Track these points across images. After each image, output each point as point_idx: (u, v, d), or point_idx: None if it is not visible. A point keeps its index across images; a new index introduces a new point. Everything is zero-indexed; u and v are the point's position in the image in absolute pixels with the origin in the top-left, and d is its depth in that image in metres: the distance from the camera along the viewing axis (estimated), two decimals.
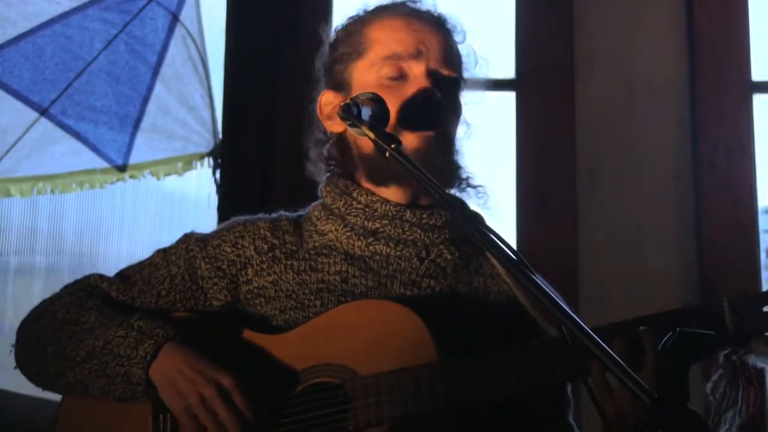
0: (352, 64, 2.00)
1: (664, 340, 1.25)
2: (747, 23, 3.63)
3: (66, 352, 1.91)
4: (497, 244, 1.46)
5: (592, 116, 3.60)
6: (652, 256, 3.52)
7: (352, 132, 1.77)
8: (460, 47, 2.04)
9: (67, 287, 2.07)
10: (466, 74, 2.03)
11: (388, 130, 1.74)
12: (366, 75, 1.97)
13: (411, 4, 2.02)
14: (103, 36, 3.35)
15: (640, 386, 1.22)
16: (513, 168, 3.61)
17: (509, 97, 3.67)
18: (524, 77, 3.67)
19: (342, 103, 1.78)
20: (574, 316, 1.33)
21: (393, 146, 1.63)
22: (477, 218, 1.55)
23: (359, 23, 2.02)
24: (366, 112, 1.71)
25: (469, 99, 2.05)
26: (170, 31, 3.45)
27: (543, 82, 3.65)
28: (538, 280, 1.41)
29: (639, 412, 1.59)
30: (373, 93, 1.82)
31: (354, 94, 1.91)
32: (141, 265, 2.06)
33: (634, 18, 3.67)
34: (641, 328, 1.66)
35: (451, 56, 1.99)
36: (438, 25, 2.00)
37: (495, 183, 2.05)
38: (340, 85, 2.01)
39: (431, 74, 1.93)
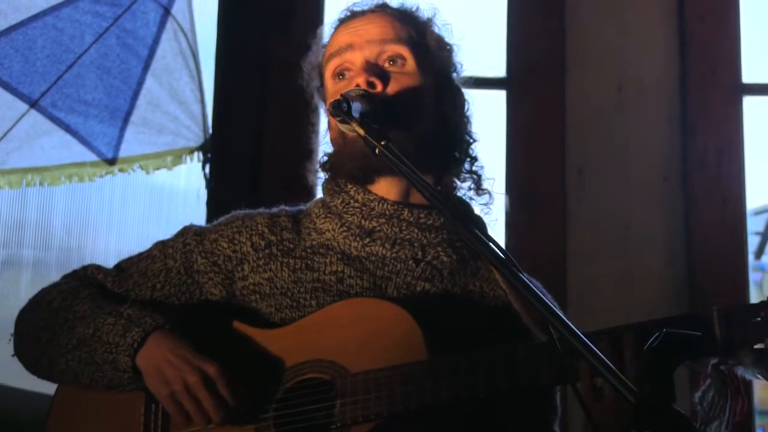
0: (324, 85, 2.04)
1: (650, 341, 1.25)
2: (738, 25, 3.64)
3: (59, 339, 1.93)
4: (486, 242, 1.45)
5: (582, 115, 3.61)
6: (640, 255, 3.53)
7: (342, 128, 1.77)
8: (419, 16, 2.02)
9: (65, 276, 2.09)
10: (431, 40, 2.01)
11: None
12: (326, 87, 2.01)
13: (354, 8, 2.02)
14: (94, 29, 3.34)
15: (625, 385, 1.22)
16: (503, 166, 3.61)
17: (500, 96, 3.68)
18: (515, 76, 3.68)
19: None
20: (561, 315, 1.33)
21: (383, 143, 1.62)
22: (468, 217, 1.55)
23: (321, 51, 2.06)
24: (356, 109, 1.71)
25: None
26: (162, 24, 3.45)
27: (534, 81, 3.65)
28: (527, 279, 1.41)
29: (625, 415, 1.59)
30: (362, 89, 1.82)
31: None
32: (139, 257, 2.07)
33: (626, 18, 3.67)
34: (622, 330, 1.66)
35: (396, 30, 1.96)
36: (374, 10, 2.00)
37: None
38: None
39: (367, 66, 1.92)
